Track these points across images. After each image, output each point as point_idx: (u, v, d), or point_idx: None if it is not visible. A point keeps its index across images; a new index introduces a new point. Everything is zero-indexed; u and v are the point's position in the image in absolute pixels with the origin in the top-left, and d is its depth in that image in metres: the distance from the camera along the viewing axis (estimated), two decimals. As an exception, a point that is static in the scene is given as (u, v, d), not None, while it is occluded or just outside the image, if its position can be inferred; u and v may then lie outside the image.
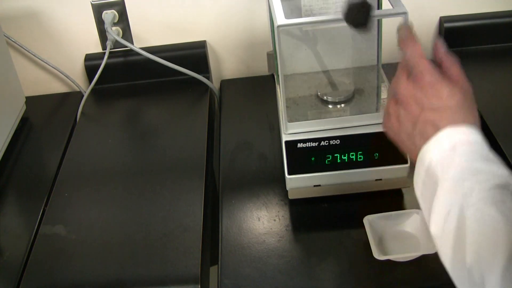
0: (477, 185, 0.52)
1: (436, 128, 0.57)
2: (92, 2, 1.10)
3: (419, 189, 0.58)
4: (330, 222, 0.83)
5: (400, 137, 0.62)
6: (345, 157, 0.82)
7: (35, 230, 0.85)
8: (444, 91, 0.58)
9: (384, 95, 0.88)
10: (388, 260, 0.74)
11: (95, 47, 1.15)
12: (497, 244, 0.49)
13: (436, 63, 0.62)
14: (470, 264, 0.51)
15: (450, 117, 0.57)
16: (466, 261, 0.51)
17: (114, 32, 1.10)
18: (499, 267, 0.48)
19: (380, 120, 0.82)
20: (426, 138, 0.58)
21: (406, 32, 0.64)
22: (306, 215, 0.84)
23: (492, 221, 0.50)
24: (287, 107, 0.82)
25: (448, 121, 0.57)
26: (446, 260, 0.54)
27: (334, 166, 0.82)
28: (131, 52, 1.12)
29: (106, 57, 1.10)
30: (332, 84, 0.90)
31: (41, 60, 1.15)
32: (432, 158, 0.56)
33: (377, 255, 0.73)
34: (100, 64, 1.10)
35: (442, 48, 0.63)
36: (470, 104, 0.59)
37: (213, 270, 0.81)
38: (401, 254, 0.75)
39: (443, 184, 0.54)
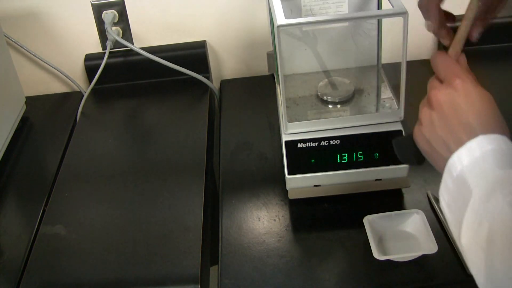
0: (508, 194, 0.51)
1: (471, 133, 0.55)
2: (92, 2, 1.10)
3: (445, 201, 0.56)
4: (330, 222, 0.83)
5: (432, 146, 0.60)
6: (345, 157, 0.82)
7: (35, 230, 0.85)
8: (478, 95, 0.57)
9: (384, 95, 0.88)
10: (388, 260, 0.74)
11: (95, 47, 1.15)
12: None
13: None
14: (502, 274, 0.49)
15: (485, 121, 0.55)
16: (498, 272, 0.49)
17: (114, 32, 1.10)
18: None
19: (380, 120, 0.82)
20: (460, 143, 0.55)
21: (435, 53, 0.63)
22: (306, 215, 0.84)
23: None
24: (287, 107, 0.82)
25: (482, 126, 0.55)
26: (478, 273, 0.52)
27: (334, 166, 0.82)
28: (131, 52, 1.12)
29: (106, 57, 1.10)
30: (332, 84, 0.90)
31: (41, 60, 1.15)
32: (463, 167, 0.54)
33: (377, 255, 0.73)
34: (100, 64, 1.10)
35: (465, 63, 0.63)
36: (498, 111, 0.57)
37: (213, 270, 0.81)
38: (401, 254, 0.75)
39: (475, 195, 0.52)
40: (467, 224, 0.52)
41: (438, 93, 0.59)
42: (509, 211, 0.50)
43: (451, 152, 0.56)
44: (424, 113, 0.61)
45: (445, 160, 0.57)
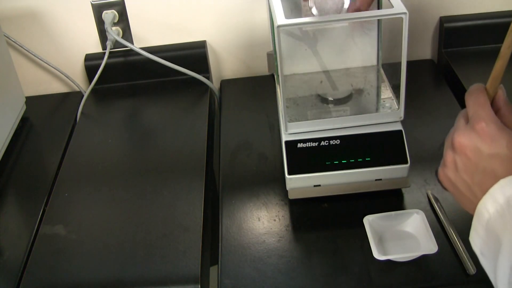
0: None
1: (496, 178, 0.54)
2: (92, 2, 1.10)
3: (478, 247, 0.55)
4: (330, 222, 0.83)
5: (458, 188, 0.59)
6: (345, 157, 0.82)
7: (35, 230, 0.85)
8: (503, 139, 0.55)
9: (384, 95, 0.88)
10: (388, 260, 0.74)
11: (95, 47, 1.15)
12: None
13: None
14: None
15: (510, 166, 0.54)
16: None
17: (114, 32, 1.10)
18: None
19: (380, 120, 0.82)
20: (485, 189, 0.54)
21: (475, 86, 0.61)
22: (306, 215, 0.84)
23: None
24: (287, 107, 0.82)
25: (508, 171, 0.54)
26: None
27: (334, 166, 0.82)
28: (131, 52, 1.12)
29: (106, 57, 1.10)
30: (332, 84, 0.90)
31: (41, 60, 1.15)
32: (490, 215, 0.53)
33: (377, 255, 0.73)
34: (100, 64, 1.10)
35: (503, 96, 0.60)
36: None
37: (213, 270, 0.81)
38: (401, 254, 0.75)
39: (504, 243, 0.51)
40: (500, 272, 0.52)
41: (461, 137, 0.58)
42: None
43: (476, 196, 0.56)
44: (448, 155, 0.60)
45: (471, 202, 0.56)
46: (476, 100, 0.59)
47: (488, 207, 0.53)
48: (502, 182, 0.53)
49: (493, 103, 0.59)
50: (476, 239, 0.55)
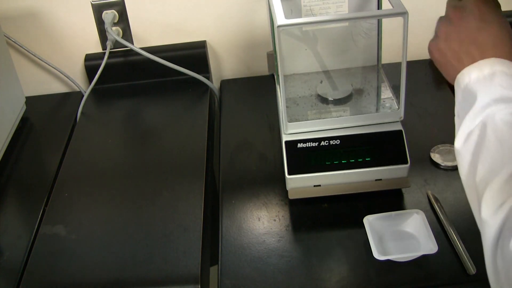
0: (504, 109, 0.54)
1: (482, 50, 0.58)
2: (92, 2, 1.10)
3: (456, 111, 0.60)
4: (330, 222, 0.83)
5: (446, 57, 0.62)
6: (345, 157, 0.82)
7: (35, 230, 0.85)
8: (497, 13, 0.59)
9: (384, 95, 0.88)
10: (388, 260, 0.74)
11: (95, 47, 1.15)
12: (506, 160, 0.52)
13: None
14: (479, 178, 0.53)
15: (498, 41, 0.58)
16: (476, 176, 0.54)
17: (114, 32, 1.10)
18: (501, 179, 0.51)
19: (380, 120, 0.82)
20: (473, 60, 0.58)
21: None
22: (306, 215, 0.84)
23: (509, 141, 0.53)
24: (287, 107, 0.82)
25: (494, 46, 0.58)
26: (462, 174, 0.57)
27: (334, 166, 0.82)
28: (131, 52, 1.12)
29: (106, 57, 1.10)
30: (332, 84, 0.90)
31: (41, 60, 1.15)
32: (470, 80, 0.58)
33: (377, 255, 0.73)
34: (100, 64, 1.10)
35: None
36: None
37: (213, 270, 0.81)
38: (401, 254, 0.75)
39: (478, 101, 0.56)
40: (462, 130, 0.57)
41: (457, 10, 0.61)
42: (499, 123, 0.53)
43: (462, 63, 0.59)
44: (441, 25, 0.63)
45: (456, 70, 0.60)
46: None
47: (472, 73, 0.58)
48: (493, 59, 0.57)
49: None
50: (457, 105, 0.60)
